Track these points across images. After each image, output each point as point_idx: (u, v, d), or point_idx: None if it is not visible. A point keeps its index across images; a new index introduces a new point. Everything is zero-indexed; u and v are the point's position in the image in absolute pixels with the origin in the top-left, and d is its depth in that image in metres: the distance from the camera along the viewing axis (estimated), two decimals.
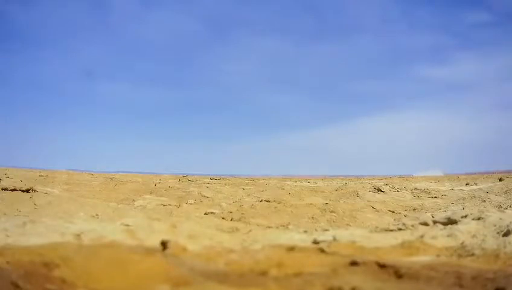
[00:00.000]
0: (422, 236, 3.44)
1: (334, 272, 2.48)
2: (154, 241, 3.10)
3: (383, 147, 33.62)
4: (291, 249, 3.03)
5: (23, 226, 3.33)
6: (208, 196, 6.61)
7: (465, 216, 3.83)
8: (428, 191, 7.48)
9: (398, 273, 2.45)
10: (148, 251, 2.76)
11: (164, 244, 2.94)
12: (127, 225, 3.54)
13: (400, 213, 5.58)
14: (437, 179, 11.00)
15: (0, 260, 2.47)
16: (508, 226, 3.27)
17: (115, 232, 3.31)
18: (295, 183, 8.71)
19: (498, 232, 3.27)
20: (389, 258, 2.83)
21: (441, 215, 4.13)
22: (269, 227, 4.40)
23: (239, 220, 4.76)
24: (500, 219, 3.57)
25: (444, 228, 3.64)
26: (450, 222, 3.79)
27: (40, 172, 9.19)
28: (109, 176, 9.37)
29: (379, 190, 7.20)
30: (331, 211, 5.33)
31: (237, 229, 3.98)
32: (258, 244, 3.24)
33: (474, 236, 3.30)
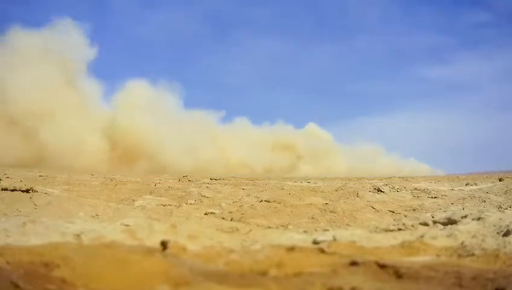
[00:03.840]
0: (422, 236, 3.44)
1: (334, 272, 2.48)
2: (154, 241, 3.10)
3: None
4: (291, 249, 3.03)
5: (23, 226, 3.33)
6: (208, 196, 6.61)
7: (465, 216, 3.83)
8: (428, 191, 7.48)
9: (398, 273, 2.45)
10: (148, 251, 2.76)
11: (164, 245, 2.94)
12: (127, 225, 3.54)
13: (399, 213, 5.58)
14: (437, 179, 11.00)
15: (0, 260, 2.47)
16: (508, 226, 3.27)
17: (115, 232, 3.31)
18: (295, 184, 8.71)
19: (498, 233, 3.27)
20: (389, 258, 2.83)
21: (441, 216, 4.13)
22: (269, 227, 4.40)
23: (239, 220, 4.76)
24: (500, 219, 3.57)
25: (444, 228, 3.64)
26: (450, 222, 3.79)
27: (40, 172, 9.19)
28: (109, 176, 9.36)
29: (379, 190, 7.20)
30: (331, 211, 5.33)
31: (237, 229, 3.98)
32: (258, 245, 3.24)
33: (474, 236, 3.30)
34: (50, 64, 19.95)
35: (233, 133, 26.30)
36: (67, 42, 21.40)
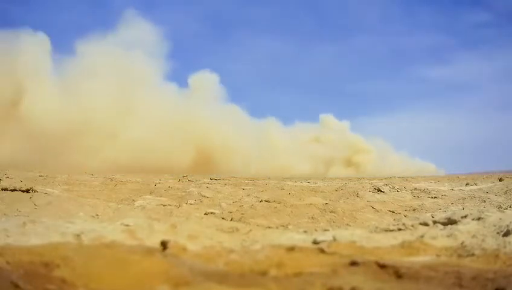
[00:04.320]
0: (422, 236, 3.44)
1: (334, 272, 2.48)
2: (154, 241, 3.10)
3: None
4: (291, 249, 3.03)
5: (23, 226, 3.33)
6: (208, 196, 6.61)
7: (465, 216, 3.83)
8: (428, 191, 7.48)
9: (398, 273, 2.45)
10: (148, 251, 2.76)
11: (164, 245, 2.94)
12: (127, 225, 3.54)
13: (399, 213, 5.58)
14: (437, 179, 11.00)
15: (0, 260, 2.47)
16: (507, 226, 3.27)
17: (115, 233, 3.31)
18: (295, 184, 8.71)
19: (498, 233, 3.27)
20: (389, 258, 2.83)
21: (441, 216, 4.13)
22: (269, 227, 4.40)
23: (239, 220, 4.76)
24: (500, 219, 3.57)
25: (444, 228, 3.64)
26: (450, 222, 3.79)
27: (40, 172, 9.19)
28: (109, 176, 9.36)
29: (379, 190, 7.20)
30: (331, 211, 5.33)
31: (237, 229, 3.98)
32: (258, 245, 3.24)
33: (474, 236, 3.30)
34: (125, 66, 19.64)
35: (270, 135, 25.53)
36: (140, 40, 21.08)
